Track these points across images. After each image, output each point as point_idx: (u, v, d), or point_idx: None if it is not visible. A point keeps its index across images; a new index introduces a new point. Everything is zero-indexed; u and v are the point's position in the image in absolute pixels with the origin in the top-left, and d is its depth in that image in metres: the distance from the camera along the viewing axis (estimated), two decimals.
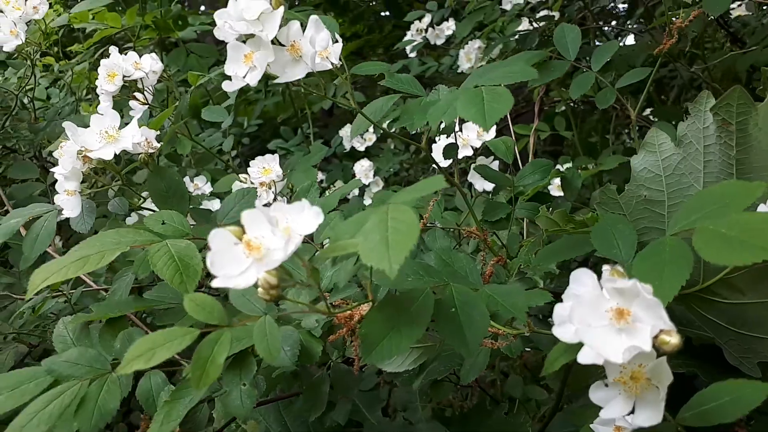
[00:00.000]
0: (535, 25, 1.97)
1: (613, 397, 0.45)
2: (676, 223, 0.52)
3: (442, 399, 1.19)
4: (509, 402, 1.13)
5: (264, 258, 0.45)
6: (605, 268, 0.45)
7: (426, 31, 2.07)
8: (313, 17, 0.60)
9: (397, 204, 0.48)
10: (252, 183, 1.06)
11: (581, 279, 0.46)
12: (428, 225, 0.91)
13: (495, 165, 1.12)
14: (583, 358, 0.44)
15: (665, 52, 0.96)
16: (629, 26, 1.97)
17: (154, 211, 0.95)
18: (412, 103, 0.77)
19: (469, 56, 1.97)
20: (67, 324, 0.69)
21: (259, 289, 0.47)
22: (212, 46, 2.27)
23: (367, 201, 2.23)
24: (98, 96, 1.00)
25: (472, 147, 1.12)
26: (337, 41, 0.61)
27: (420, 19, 2.11)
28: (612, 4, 2.18)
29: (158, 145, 0.86)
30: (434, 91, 0.75)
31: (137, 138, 0.80)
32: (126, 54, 1.04)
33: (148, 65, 1.03)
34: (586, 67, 1.07)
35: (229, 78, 0.60)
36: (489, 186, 1.13)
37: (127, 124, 0.85)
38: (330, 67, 0.63)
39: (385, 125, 2.49)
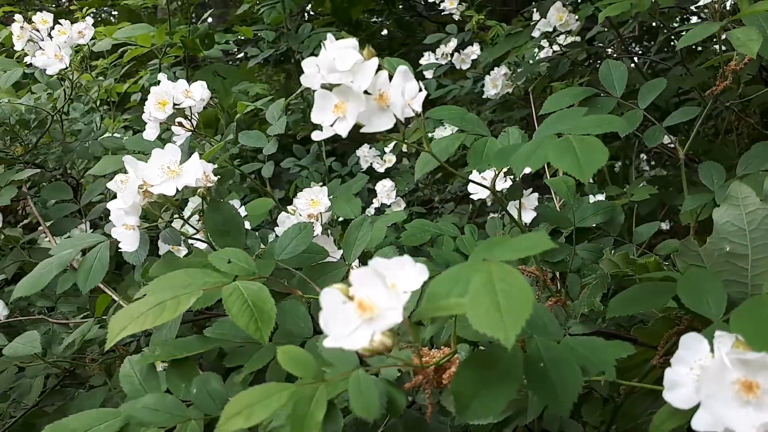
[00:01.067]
0: (554, 48, 1.98)
1: None
2: None
3: None
4: None
5: (376, 318, 0.44)
6: (719, 334, 0.45)
7: (452, 55, 2.08)
8: (402, 67, 0.60)
9: (501, 264, 0.47)
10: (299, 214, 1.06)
11: (691, 345, 0.45)
12: None
13: (534, 197, 1.12)
14: (698, 424, 0.43)
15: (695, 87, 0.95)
16: (650, 56, 1.98)
17: (202, 241, 0.95)
18: (477, 143, 0.77)
19: (495, 82, 1.98)
20: (133, 364, 0.68)
21: (347, 348, 0.47)
22: (235, 68, 2.28)
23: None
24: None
25: (511, 179, 1.12)
26: (421, 89, 0.61)
27: (446, 43, 2.12)
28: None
29: (215, 179, 0.86)
30: (504, 134, 0.75)
31: (200, 173, 0.79)
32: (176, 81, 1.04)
33: (198, 94, 1.03)
34: (633, 104, 1.07)
35: (318, 127, 0.60)
36: (528, 218, 1.13)
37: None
38: (412, 114, 0.62)
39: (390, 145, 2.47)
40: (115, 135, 1.59)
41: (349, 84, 0.58)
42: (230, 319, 0.74)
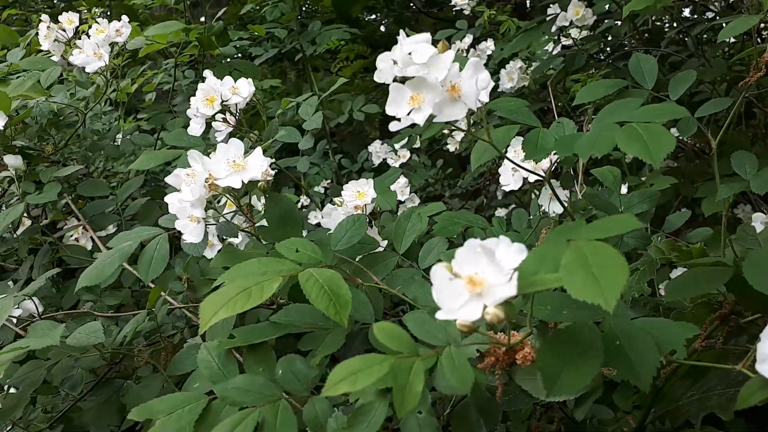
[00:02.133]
0: (565, 42, 2.01)
1: None
2: None
3: (519, 420, 1.20)
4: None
5: (485, 293, 0.47)
6: None
7: (467, 51, 2.11)
8: (474, 59, 0.62)
9: (590, 242, 0.50)
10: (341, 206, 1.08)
11: None
12: None
13: (561, 191, 1.15)
14: None
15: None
16: (665, 49, 2.01)
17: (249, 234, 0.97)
18: (530, 134, 0.80)
19: (511, 76, 2.01)
20: (211, 350, 0.71)
21: (459, 322, 0.50)
22: (254, 64, 2.30)
23: None
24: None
25: (542, 171, 1.15)
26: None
27: (460, 39, 2.15)
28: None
29: (273, 173, 0.89)
30: (557, 125, 0.78)
31: (264, 167, 0.82)
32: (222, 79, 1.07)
33: (245, 90, 1.05)
34: (665, 96, 1.10)
35: (395, 118, 0.63)
36: (559, 209, 1.16)
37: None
38: (480, 105, 0.65)
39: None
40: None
41: (424, 76, 0.61)
42: (295, 306, 0.78)
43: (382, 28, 4.37)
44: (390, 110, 0.63)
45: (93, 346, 0.96)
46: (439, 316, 0.47)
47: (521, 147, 0.79)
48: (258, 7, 2.91)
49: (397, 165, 2.48)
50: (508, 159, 0.79)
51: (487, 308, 0.47)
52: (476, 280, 0.47)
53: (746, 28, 0.85)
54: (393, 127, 0.63)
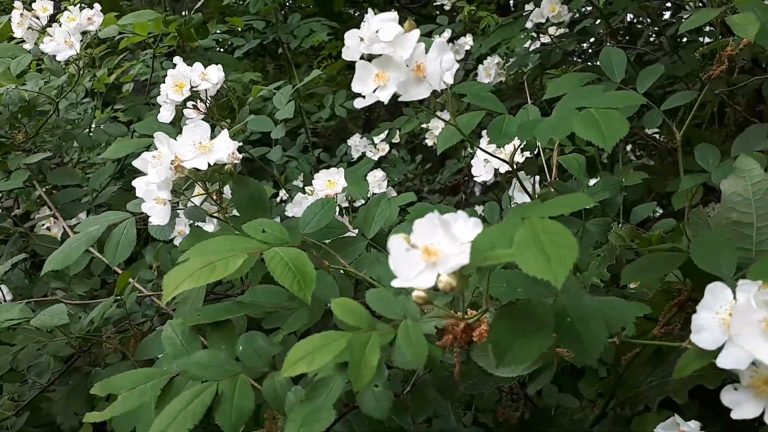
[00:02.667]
0: (543, 40, 2.04)
1: (745, 399, 0.50)
2: None
3: (485, 407, 1.22)
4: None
5: (439, 262, 0.48)
6: (742, 282, 0.50)
7: None
8: (439, 40, 0.64)
9: (543, 219, 0.52)
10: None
11: (716, 292, 0.50)
12: None
13: (530, 182, 1.17)
14: (724, 362, 0.48)
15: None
16: (641, 47, 2.04)
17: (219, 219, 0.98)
18: (496, 120, 0.81)
19: (488, 72, 2.02)
20: (175, 327, 0.71)
21: (415, 293, 0.51)
22: (233, 57, 2.30)
23: None
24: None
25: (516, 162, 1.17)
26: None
27: (439, 34, 2.16)
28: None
29: (240, 156, 0.89)
30: (523, 111, 0.79)
31: (231, 149, 0.82)
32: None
33: (215, 77, 1.05)
34: (633, 89, 1.12)
35: (359, 95, 0.63)
36: (528, 199, 1.18)
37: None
38: (445, 86, 0.66)
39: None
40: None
41: (390, 54, 0.62)
42: (262, 287, 0.79)
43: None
44: (356, 87, 0.64)
45: (60, 331, 0.96)
46: (395, 283, 0.48)
47: (486, 133, 0.80)
48: (240, 1, 2.90)
49: (375, 158, 2.49)
50: (470, 141, 0.80)
51: (440, 276, 0.48)
52: (431, 250, 0.49)
53: (707, 20, 0.87)
54: (358, 103, 0.64)
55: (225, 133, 0.83)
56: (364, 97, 0.63)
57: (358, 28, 0.66)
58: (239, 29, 2.62)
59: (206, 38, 2.04)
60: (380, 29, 0.61)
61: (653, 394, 0.94)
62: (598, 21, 2.10)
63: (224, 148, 0.82)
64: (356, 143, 2.64)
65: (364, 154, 2.64)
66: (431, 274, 0.48)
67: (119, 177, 1.68)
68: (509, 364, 0.55)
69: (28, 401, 1.15)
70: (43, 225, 1.57)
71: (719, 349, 0.49)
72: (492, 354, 0.56)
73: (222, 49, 2.76)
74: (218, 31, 2.43)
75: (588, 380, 1.30)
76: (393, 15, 0.63)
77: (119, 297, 1.07)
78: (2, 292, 1.21)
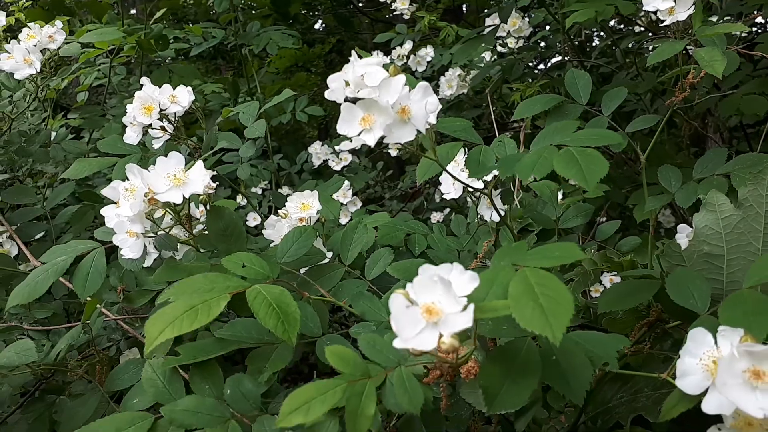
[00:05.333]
0: (501, 51, 2.07)
1: None
2: (749, 277, 0.59)
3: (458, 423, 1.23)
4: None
5: (441, 323, 0.48)
6: (722, 329, 0.52)
7: (407, 57, 2.13)
8: (423, 83, 0.64)
9: (537, 270, 0.53)
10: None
11: (698, 338, 0.52)
12: (481, 264, 0.96)
13: (498, 199, 1.19)
14: (708, 407, 0.50)
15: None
16: (597, 60, 2.10)
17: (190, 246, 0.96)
18: (472, 152, 0.82)
19: (450, 83, 2.04)
20: (156, 368, 0.70)
21: (413, 348, 0.51)
22: (191, 66, 2.25)
23: (344, 220, 2.25)
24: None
25: (483, 181, 1.19)
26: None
27: (400, 44, 2.17)
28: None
29: (214, 185, 0.88)
30: (499, 144, 0.80)
31: (206, 180, 0.81)
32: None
33: (185, 99, 1.03)
34: (597, 111, 1.15)
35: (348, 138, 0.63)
36: (497, 217, 1.20)
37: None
38: (428, 126, 0.67)
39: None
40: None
41: (376, 98, 0.62)
42: (241, 321, 0.78)
43: (317, 26, 4.36)
44: (341, 129, 0.64)
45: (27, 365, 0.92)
46: (396, 344, 0.48)
47: (464, 165, 0.81)
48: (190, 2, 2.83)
49: (338, 168, 2.48)
50: (449, 173, 0.81)
51: (443, 338, 0.49)
52: (433, 310, 0.49)
53: (673, 53, 0.90)
54: (344, 146, 0.64)
55: (200, 164, 0.82)
56: (350, 139, 0.63)
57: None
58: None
59: (166, 49, 2.00)
60: (366, 74, 0.61)
61: (624, 411, 0.96)
62: (551, 35, 2.15)
63: (199, 180, 0.80)
64: (317, 151, 2.62)
65: (325, 162, 2.63)
66: (432, 334, 0.49)
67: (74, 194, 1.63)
68: (500, 409, 0.56)
69: None
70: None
71: (703, 393, 0.51)
72: (483, 399, 0.56)
73: (180, 57, 2.71)
74: (174, 38, 2.37)
75: (556, 392, 1.33)
76: (378, 59, 0.63)
77: (86, 323, 1.04)
78: None
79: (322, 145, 2.62)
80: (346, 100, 0.65)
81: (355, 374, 0.54)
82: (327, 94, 0.64)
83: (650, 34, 1.90)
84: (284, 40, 2.61)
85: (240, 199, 2.29)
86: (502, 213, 1.16)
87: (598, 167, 0.63)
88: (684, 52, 1.06)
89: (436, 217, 2.75)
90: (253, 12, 3.41)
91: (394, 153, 2.35)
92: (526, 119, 1.78)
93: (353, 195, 2.33)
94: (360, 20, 4.15)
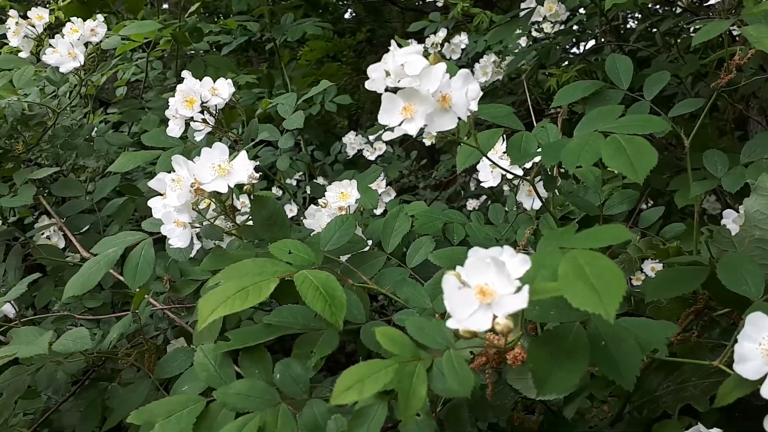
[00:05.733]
0: (536, 36, 2.04)
1: None
2: None
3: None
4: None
5: (495, 304, 0.49)
6: None
7: (442, 44, 2.12)
8: (464, 70, 0.64)
9: (586, 251, 0.52)
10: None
11: (757, 322, 0.51)
12: (523, 251, 0.95)
13: (540, 185, 1.18)
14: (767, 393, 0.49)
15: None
16: (637, 44, 2.05)
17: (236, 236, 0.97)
18: (514, 138, 0.82)
19: (485, 70, 2.03)
20: (207, 353, 0.71)
21: (463, 329, 0.51)
22: (226, 58, 2.28)
23: (378, 210, 2.25)
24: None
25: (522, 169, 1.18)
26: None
27: (434, 32, 2.16)
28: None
29: (257, 175, 0.89)
30: (541, 129, 0.80)
31: (250, 170, 0.82)
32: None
33: (226, 91, 1.05)
34: (639, 95, 1.13)
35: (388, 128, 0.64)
36: (537, 205, 1.19)
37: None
38: (469, 114, 0.67)
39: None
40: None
41: (417, 87, 0.62)
42: (287, 307, 0.79)
43: (348, 15, 4.37)
44: (382, 119, 0.64)
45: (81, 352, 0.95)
46: (450, 324, 0.49)
47: (505, 152, 0.81)
48: None
49: (373, 157, 2.49)
50: (490, 160, 0.81)
51: (497, 318, 0.49)
52: (486, 291, 0.49)
53: (719, 33, 0.88)
54: (386, 137, 0.64)
55: (243, 154, 0.83)
56: (392, 130, 0.63)
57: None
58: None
59: (201, 41, 2.02)
60: (406, 63, 0.61)
61: (671, 400, 0.95)
62: (587, 19, 2.11)
63: (244, 170, 0.82)
64: (351, 141, 2.63)
65: (359, 152, 2.63)
66: (487, 314, 0.49)
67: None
68: (550, 393, 0.56)
69: (45, 417, 1.15)
70: (42, 234, 1.56)
71: (761, 379, 0.50)
72: (532, 383, 0.57)
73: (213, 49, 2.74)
74: (209, 32, 2.40)
75: (600, 381, 1.32)
76: (418, 47, 0.63)
77: (135, 313, 1.07)
78: (13, 307, 1.20)
79: (357, 135, 2.63)
80: (387, 89, 0.65)
81: (406, 356, 0.55)
82: (367, 85, 0.65)
83: (690, 15, 1.85)
84: (316, 32, 2.62)
85: (275, 190, 2.31)
86: (544, 200, 1.15)
87: (647, 157, 0.62)
88: (727, 33, 1.04)
89: (471, 204, 2.74)
90: (284, 2, 3.43)
91: (428, 142, 2.34)
92: (564, 106, 1.76)
93: (387, 185, 2.34)
94: (390, 9, 4.13)
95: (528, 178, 0.89)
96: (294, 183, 2.59)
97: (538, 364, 0.58)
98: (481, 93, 0.65)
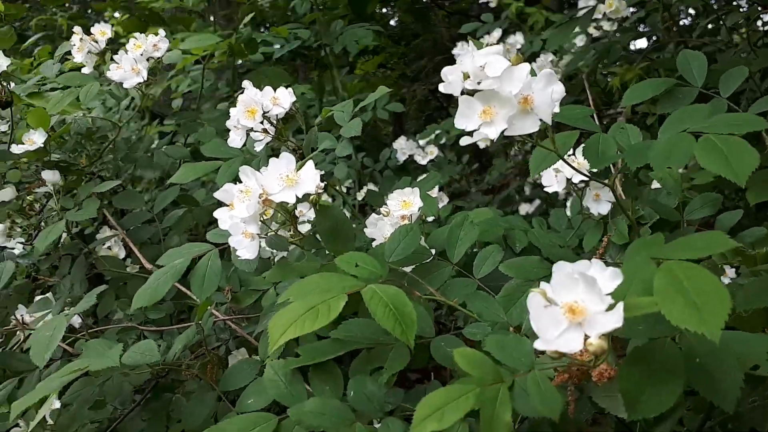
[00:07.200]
0: (594, 35, 1.98)
1: None
2: None
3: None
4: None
5: (587, 323, 0.46)
6: None
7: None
8: (547, 70, 0.61)
9: (682, 263, 0.49)
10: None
11: None
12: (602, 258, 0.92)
13: (607, 190, 1.13)
14: None
15: None
16: (701, 39, 1.97)
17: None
18: (590, 140, 0.78)
19: (542, 69, 1.97)
20: (277, 369, 0.70)
21: (551, 351, 0.48)
22: (280, 68, 2.29)
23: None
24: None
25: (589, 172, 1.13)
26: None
27: (489, 32, 2.12)
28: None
29: (323, 185, 0.88)
30: (620, 131, 0.76)
31: (317, 180, 0.81)
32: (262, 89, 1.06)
33: (287, 101, 1.04)
34: (714, 92, 1.07)
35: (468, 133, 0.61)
36: (604, 210, 1.14)
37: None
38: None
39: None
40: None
41: (499, 89, 0.59)
42: (354, 321, 0.77)
43: (392, 22, 4.36)
44: (459, 124, 0.62)
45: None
46: (537, 345, 0.46)
47: (582, 155, 0.77)
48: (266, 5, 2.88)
49: (424, 162, 2.46)
50: (568, 164, 0.77)
51: (590, 339, 0.46)
52: (576, 309, 0.46)
53: None
54: (464, 141, 0.62)
55: (310, 164, 0.82)
56: (471, 134, 0.61)
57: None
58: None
59: (256, 52, 2.04)
60: (487, 63, 0.58)
61: (758, 416, 0.90)
62: (647, 15, 2.04)
63: (311, 180, 0.81)
64: (402, 146, 2.60)
65: (410, 157, 2.60)
66: (577, 335, 0.46)
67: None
68: (642, 414, 0.52)
69: (112, 428, 1.16)
70: (103, 244, 1.59)
71: None
72: (623, 404, 0.53)
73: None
74: (262, 41, 2.43)
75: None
76: (498, 48, 0.61)
77: (199, 324, 1.07)
78: (81, 318, 1.22)
79: (407, 140, 2.60)
80: (463, 92, 0.63)
81: (486, 378, 0.52)
82: (442, 88, 0.62)
83: (760, 8, 1.76)
84: (366, 37, 2.62)
85: (325, 198, 2.30)
86: (612, 205, 1.10)
87: (748, 158, 0.57)
88: None
89: (524, 209, 2.68)
90: (333, 11, 3.45)
91: (482, 145, 2.30)
92: (627, 106, 1.70)
93: (439, 190, 2.30)
94: (435, 13, 4.11)
95: (606, 182, 0.84)
96: (344, 190, 2.58)
97: (629, 385, 0.54)
98: (564, 93, 0.62)
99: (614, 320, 0.45)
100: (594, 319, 0.46)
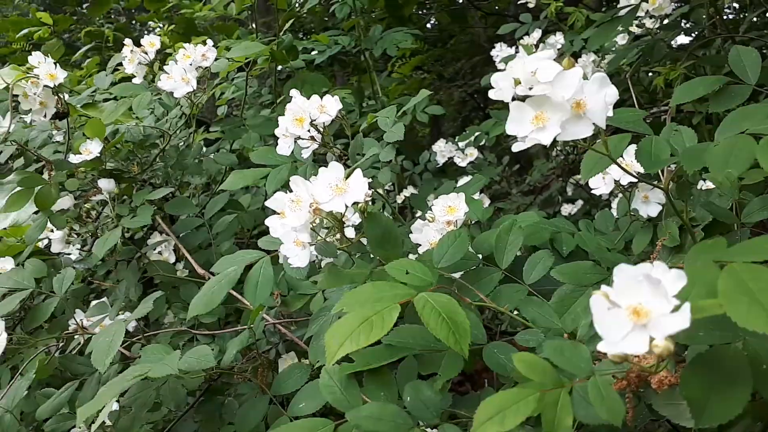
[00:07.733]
0: (636, 33, 1.94)
1: None
2: None
3: None
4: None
5: (651, 325, 0.46)
6: None
7: (537, 46, 2.06)
8: (600, 74, 0.61)
9: (748, 265, 0.48)
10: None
11: None
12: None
13: (659, 192, 1.11)
14: None
15: None
16: (748, 34, 1.92)
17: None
18: (643, 143, 0.77)
19: (584, 69, 1.95)
20: (332, 374, 0.71)
21: (613, 354, 0.48)
22: (321, 75, 2.32)
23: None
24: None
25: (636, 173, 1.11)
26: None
27: (530, 32, 2.11)
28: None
29: (371, 192, 0.88)
30: (674, 133, 0.75)
31: (366, 189, 0.82)
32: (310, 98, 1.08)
33: (334, 109, 1.06)
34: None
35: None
36: (654, 212, 1.12)
37: None
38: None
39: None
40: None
41: (549, 94, 0.59)
42: (406, 327, 0.78)
43: (429, 25, 4.36)
44: (511, 129, 0.62)
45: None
46: (602, 348, 0.46)
47: (635, 158, 0.76)
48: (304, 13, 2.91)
49: (464, 164, 2.45)
50: (620, 167, 0.77)
51: (655, 341, 0.46)
52: (641, 311, 0.46)
53: None
54: (516, 147, 0.62)
55: (359, 172, 0.83)
56: (524, 140, 0.61)
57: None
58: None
59: (297, 59, 2.07)
60: (539, 68, 0.59)
61: None
62: (690, 11, 1.99)
63: (360, 188, 0.81)
64: (441, 149, 2.60)
65: (449, 160, 2.60)
66: (642, 336, 0.46)
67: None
68: (708, 422, 0.52)
69: (168, 429, 1.20)
70: (155, 250, 1.64)
71: None
72: (689, 412, 0.52)
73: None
74: (302, 49, 2.46)
75: None
76: (549, 53, 0.61)
77: (251, 328, 1.09)
78: (138, 323, 1.26)
79: (446, 143, 2.60)
80: (514, 98, 0.63)
81: (546, 383, 0.52)
82: (492, 94, 0.63)
83: None
84: (405, 41, 2.63)
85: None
86: (662, 207, 1.08)
87: None
88: None
89: (566, 210, 2.65)
90: (372, 15, 3.47)
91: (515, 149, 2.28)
92: (672, 105, 1.67)
93: (480, 192, 2.29)
94: (472, 15, 4.09)
95: (660, 184, 0.83)
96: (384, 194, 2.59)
97: (694, 392, 0.53)
98: (618, 97, 0.62)
99: (680, 321, 0.45)
100: (659, 320, 0.46)
